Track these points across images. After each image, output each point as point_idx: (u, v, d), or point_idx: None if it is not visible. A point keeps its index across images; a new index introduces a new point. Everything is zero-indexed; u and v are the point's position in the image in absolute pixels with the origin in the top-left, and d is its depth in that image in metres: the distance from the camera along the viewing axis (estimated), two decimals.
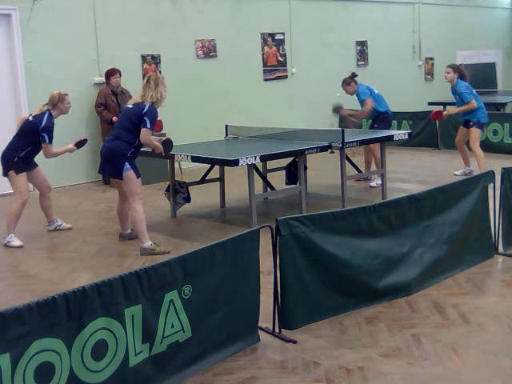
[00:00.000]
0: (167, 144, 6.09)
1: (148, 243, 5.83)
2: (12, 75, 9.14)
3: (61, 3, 9.39)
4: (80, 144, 6.66)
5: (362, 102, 8.68)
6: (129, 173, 5.74)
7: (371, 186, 8.57)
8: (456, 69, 8.64)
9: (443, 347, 3.75)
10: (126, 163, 5.74)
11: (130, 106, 5.88)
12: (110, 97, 9.34)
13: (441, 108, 9.56)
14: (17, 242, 6.36)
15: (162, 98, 5.84)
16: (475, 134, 8.54)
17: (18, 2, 9.00)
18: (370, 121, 9.11)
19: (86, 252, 6.09)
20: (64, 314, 2.90)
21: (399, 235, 4.57)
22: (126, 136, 5.77)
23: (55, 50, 9.30)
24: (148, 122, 5.69)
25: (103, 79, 9.60)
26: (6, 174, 6.45)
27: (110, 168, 5.86)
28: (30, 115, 6.52)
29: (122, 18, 10.03)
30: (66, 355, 2.92)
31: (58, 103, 6.40)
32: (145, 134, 5.72)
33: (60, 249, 6.28)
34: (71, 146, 6.63)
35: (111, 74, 9.43)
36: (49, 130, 6.30)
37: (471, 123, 8.53)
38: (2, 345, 2.67)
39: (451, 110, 8.76)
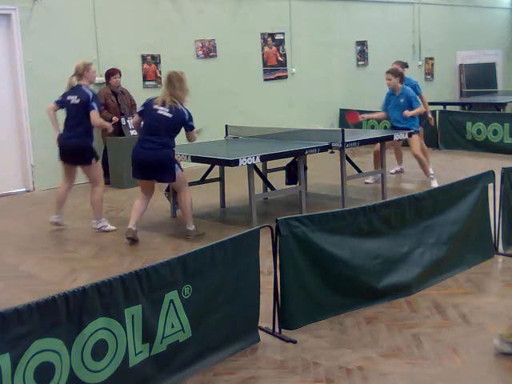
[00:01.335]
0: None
1: (193, 226, 6.38)
2: (12, 75, 9.14)
3: (61, 3, 9.38)
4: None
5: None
6: (179, 173, 6.23)
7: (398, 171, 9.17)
8: (396, 73, 8.44)
9: (443, 347, 3.75)
10: (176, 166, 6.22)
11: (168, 114, 6.07)
12: (110, 97, 9.34)
13: (356, 111, 8.90)
14: (111, 227, 6.72)
15: (183, 96, 6.20)
16: (417, 139, 8.35)
17: (18, 2, 8.99)
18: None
19: (86, 252, 6.09)
20: (64, 314, 2.90)
21: (399, 235, 4.57)
22: (171, 143, 6.16)
23: (55, 50, 9.29)
24: (193, 123, 6.21)
25: (103, 79, 9.60)
26: (89, 162, 6.62)
27: (163, 174, 6.19)
28: (69, 100, 6.57)
29: (122, 17, 10.03)
30: (66, 355, 2.91)
31: (84, 72, 6.57)
32: (191, 135, 6.30)
33: (60, 249, 6.28)
34: (110, 124, 7.00)
35: (111, 74, 9.43)
36: (96, 98, 6.59)
37: (412, 132, 8.14)
38: (2, 345, 2.67)
39: (408, 112, 8.19)
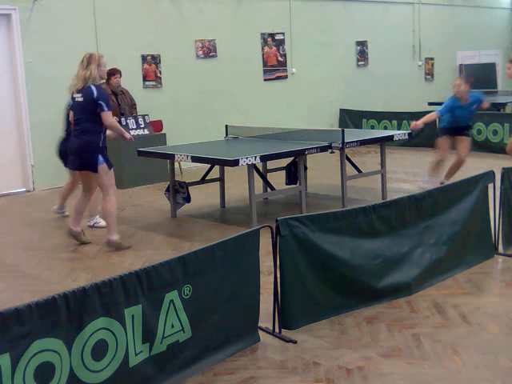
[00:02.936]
0: None
1: (116, 236, 5.92)
2: (12, 75, 9.15)
3: (61, 3, 9.39)
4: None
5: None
6: (103, 165, 5.81)
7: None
8: None
9: (443, 347, 3.75)
10: (100, 156, 5.81)
11: (81, 98, 5.81)
12: (110, 97, 9.32)
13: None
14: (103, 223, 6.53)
15: (96, 75, 5.81)
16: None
17: (18, 2, 9.00)
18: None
19: (86, 252, 6.09)
20: (64, 314, 2.90)
21: (399, 235, 4.57)
22: (92, 126, 5.79)
23: (55, 50, 9.29)
24: (104, 104, 5.73)
25: (103, 79, 9.59)
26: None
27: (84, 161, 5.86)
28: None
29: (122, 17, 10.03)
30: (66, 355, 2.91)
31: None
32: (107, 116, 5.76)
33: (60, 249, 6.28)
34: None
35: (112, 74, 9.40)
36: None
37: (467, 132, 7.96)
38: (2, 345, 2.67)
39: None
